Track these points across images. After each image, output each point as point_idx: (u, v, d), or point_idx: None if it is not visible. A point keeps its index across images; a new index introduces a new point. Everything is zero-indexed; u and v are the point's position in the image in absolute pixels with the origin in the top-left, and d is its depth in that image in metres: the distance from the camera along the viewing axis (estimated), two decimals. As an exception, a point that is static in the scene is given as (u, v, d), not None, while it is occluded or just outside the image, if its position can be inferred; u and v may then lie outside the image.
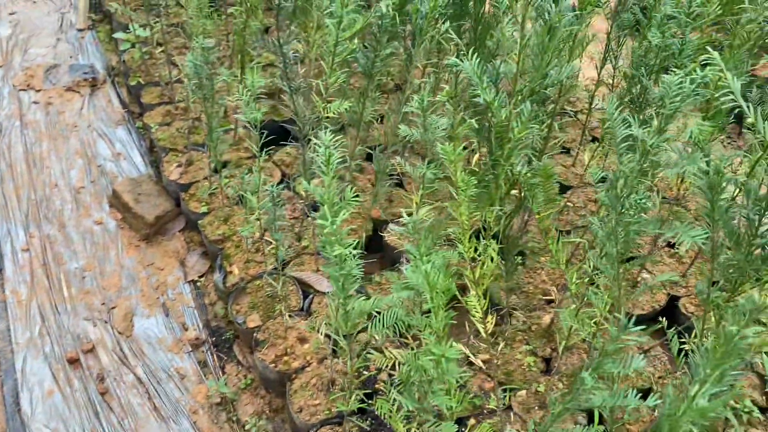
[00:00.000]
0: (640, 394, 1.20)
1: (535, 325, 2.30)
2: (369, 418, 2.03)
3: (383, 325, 1.47)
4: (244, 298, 2.43)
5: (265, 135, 2.22)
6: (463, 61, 1.53)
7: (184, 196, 2.85)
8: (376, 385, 2.12)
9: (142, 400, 2.30)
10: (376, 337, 2.16)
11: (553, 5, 1.51)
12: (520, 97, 1.61)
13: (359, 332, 2.22)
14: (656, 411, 1.99)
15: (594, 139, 3.22)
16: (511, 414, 2.02)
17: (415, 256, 1.37)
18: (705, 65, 1.41)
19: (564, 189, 2.90)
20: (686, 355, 1.46)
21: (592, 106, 2.76)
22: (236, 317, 2.35)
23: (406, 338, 2.06)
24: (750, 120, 1.33)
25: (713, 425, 1.89)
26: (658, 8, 2.04)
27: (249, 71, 2.01)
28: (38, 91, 3.72)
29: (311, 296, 2.41)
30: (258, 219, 2.28)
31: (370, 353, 1.93)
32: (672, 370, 2.19)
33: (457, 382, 1.61)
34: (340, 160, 1.44)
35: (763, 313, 1.51)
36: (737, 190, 1.78)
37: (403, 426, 1.56)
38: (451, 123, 1.76)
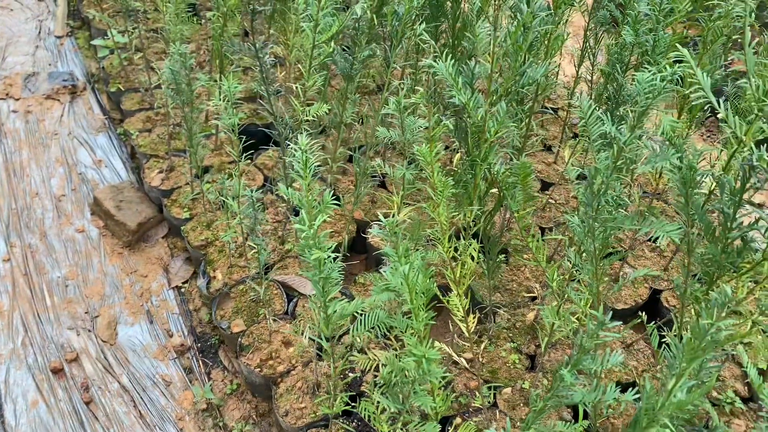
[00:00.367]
0: (621, 388, 1.21)
1: (519, 323, 2.32)
2: (355, 420, 2.04)
3: (365, 328, 1.47)
4: (228, 303, 2.42)
5: (246, 139, 2.22)
6: (437, 63, 1.54)
7: (167, 202, 2.83)
8: (362, 387, 2.12)
9: (127, 408, 2.29)
10: (358, 339, 2.16)
11: (526, 5, 1.52)
12: (495, 97, 1.62)
13: (343, 335, 2.23)
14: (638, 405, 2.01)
15: (575, 136, 3.24)
16: (497, 411, 2.03)
17: (393, 258, 1.37)
18: (677, 62, 1.43)
19: (546, 186, 2.92)
20: (667, 348, 1.48)
21: (572, 103, 2.78)
22: (220, 322, 2.34)
23: (390, 339, 2.06)
24: (721, 115, 1.35)
25: (694, 417, 1.91)
26: (633, 5, 2.07)
27: (226, 76, 2.00)
28: (17, 99, 3.69)
29: (295, 299, 2.41)
30: (240, 224, 2.27)
31: (353, 355, 1.93)
32: (655, 363, 2.21)
33: (440, 381, 1.62)
34: (319, 163, 1.44)
35: (739, 305, 1.53)
36: (713, 184, 1.80)
37: (388, 427, 1.57)
38: (427, 125, 1.76)
